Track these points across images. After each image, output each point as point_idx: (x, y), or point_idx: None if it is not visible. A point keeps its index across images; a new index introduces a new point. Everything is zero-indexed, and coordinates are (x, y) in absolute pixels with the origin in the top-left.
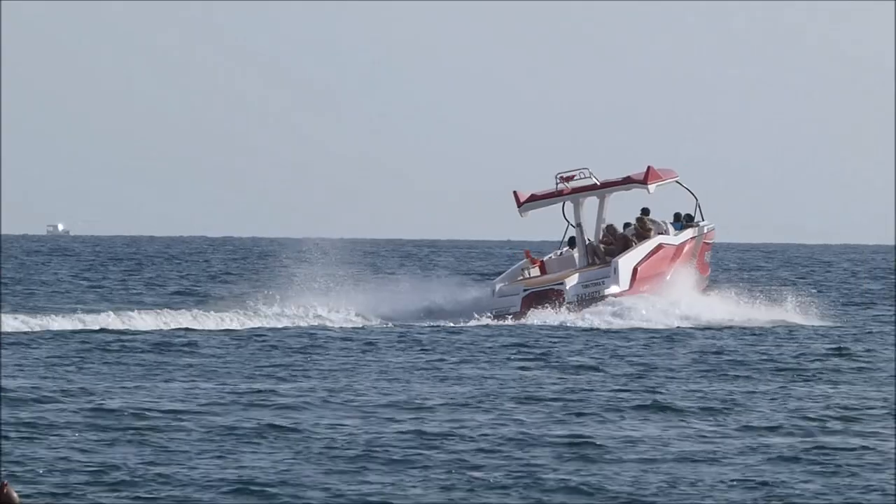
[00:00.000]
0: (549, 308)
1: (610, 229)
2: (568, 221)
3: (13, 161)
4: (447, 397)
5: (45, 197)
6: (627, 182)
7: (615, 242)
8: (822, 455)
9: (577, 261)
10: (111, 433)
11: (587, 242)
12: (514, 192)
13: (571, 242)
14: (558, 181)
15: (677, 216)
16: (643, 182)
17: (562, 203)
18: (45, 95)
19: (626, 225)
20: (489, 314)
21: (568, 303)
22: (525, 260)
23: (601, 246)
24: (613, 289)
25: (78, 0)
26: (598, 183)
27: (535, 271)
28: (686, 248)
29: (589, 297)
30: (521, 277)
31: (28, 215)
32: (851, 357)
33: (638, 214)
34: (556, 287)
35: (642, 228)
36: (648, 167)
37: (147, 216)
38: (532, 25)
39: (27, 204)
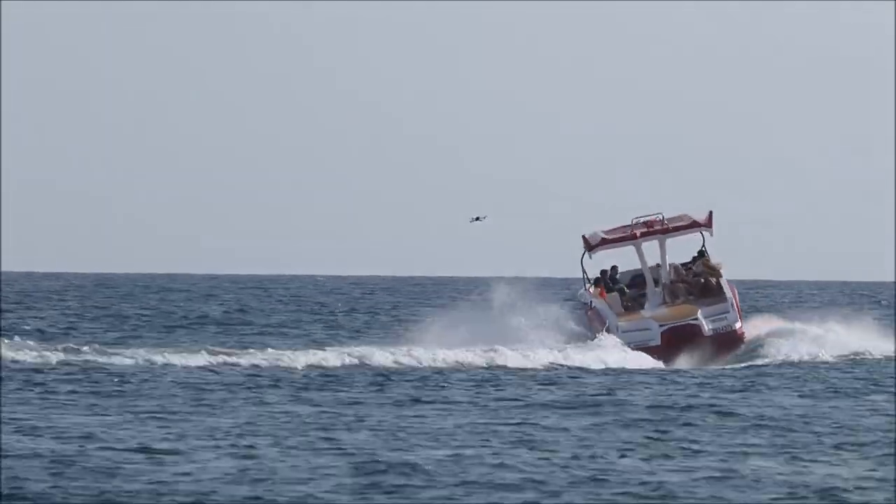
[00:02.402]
0: (688, 343)
1: (679, 269)
2: (584, 270)
3: None
4: None
5: None
6: (693, 226)
7: (687, 281)
8: None
9: (617, 303)
10: None
11: (660, 281)
12: (584, 237)
13: (596, 282)
14: (634, 225)
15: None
16: (708, 226)
17: (624, 247)
18: None
19: (685, 265)
20: (632, 346)
21: (707, 337)
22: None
23: (681, 285)
24: (738, 324)
25: None
26: (670, 227)
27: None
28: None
29: (722, 331)
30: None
31: None
32: None
33: (697, 256)
34: (692, 322)
35: (710, 268)
36: (710, 212)
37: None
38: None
39: None
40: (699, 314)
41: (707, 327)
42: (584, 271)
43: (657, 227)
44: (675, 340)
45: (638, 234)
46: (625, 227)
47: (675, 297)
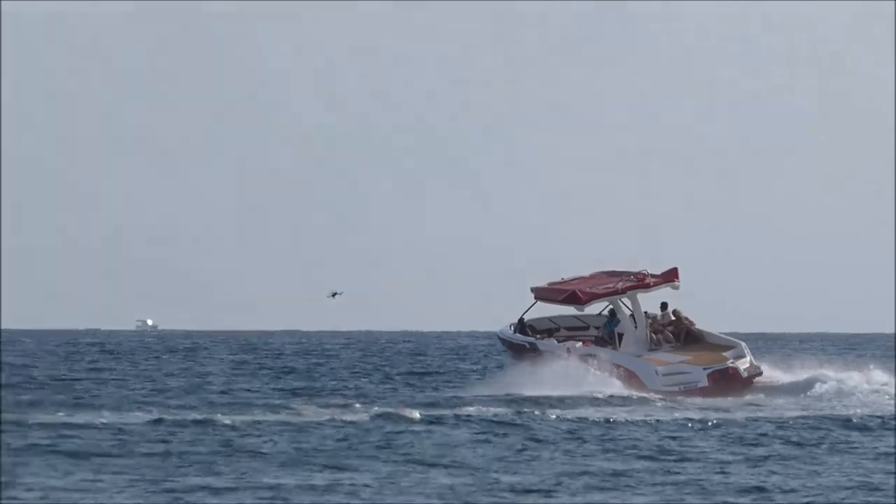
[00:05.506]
0: (730, 384)
1: (656, 318)
2: (523, 322)
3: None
4: None
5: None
6: (666, 281)
7: (664, 329)
8: None
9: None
10: None
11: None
12: (576, 291)
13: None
14: (624, 278)
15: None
16: (676, 280)
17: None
18: None
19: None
20: (677, 388)
21: (743, 378)
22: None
23: (667, 332)
24: (760, 368)
25: None
26: (651, 283)
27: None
28: None
29: (754, 373)
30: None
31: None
32: None
33: (662, 306)
34: (731, 365)
35: (680, 318)
36: (675, 268)
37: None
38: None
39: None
40: (729, 355)
41: (741, 368)
42: (524, 324)
43: (640, 283)
44: (721, 382)
45: (624, 289)
46: (592, 279)
47: (659, 344)
